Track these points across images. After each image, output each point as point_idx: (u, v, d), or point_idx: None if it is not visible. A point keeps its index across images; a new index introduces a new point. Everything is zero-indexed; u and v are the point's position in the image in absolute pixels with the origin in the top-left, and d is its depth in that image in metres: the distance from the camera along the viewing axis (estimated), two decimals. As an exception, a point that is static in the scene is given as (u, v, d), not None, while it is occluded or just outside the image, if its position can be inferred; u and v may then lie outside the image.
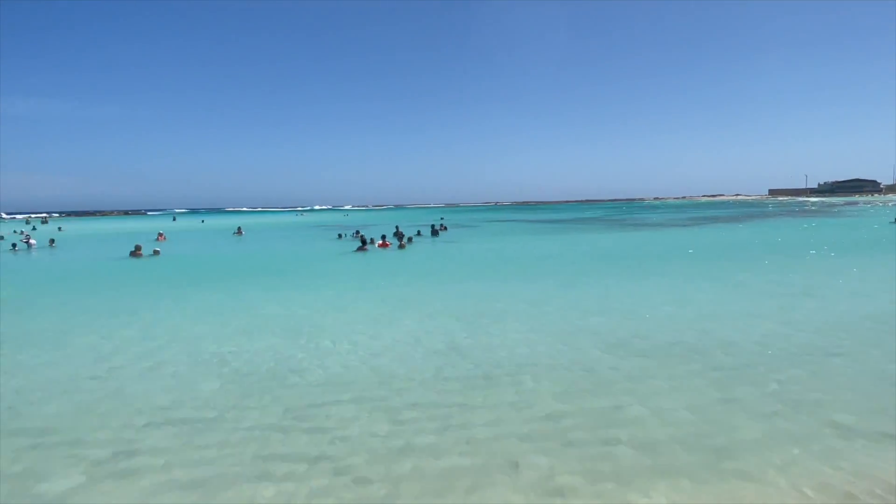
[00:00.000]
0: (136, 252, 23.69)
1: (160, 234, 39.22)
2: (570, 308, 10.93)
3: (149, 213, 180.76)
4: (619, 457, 4.68)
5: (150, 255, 23.70)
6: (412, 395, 6.18)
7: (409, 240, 28.76)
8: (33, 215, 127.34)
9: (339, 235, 38.45)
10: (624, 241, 29.77)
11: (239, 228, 45.17)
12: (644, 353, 7.58)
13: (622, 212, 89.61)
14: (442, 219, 67.96)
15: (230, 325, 9.90)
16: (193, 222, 78.66)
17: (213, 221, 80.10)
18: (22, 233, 44.89)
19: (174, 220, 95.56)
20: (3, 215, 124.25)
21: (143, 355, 8.02)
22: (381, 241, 26.66)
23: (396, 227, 37.34)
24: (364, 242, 24.89)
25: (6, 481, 4.40)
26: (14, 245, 33.23)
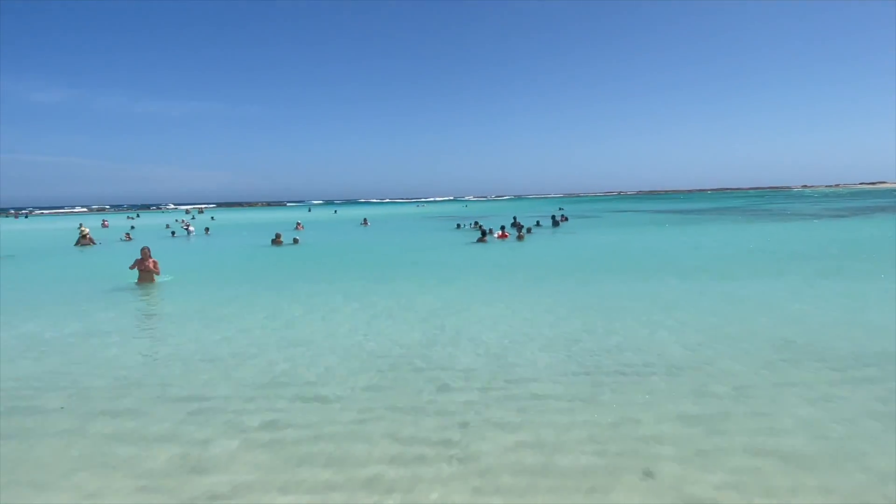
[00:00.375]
0: (276, 240, 25.79)
1: (298, 224, 42.45)
2: (706, 308, 10.24)
3: (288, 204, 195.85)
4: (762, 470, 4.32)
5: (290, 244, 25.67)
6: (537, 387, 6.14)
7: (528, 231, 28.54)
8: (190, 207, 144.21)
9: (458, 225, 39.00)
10: (772, 232, 27.19)
11: (365, 219, 47.57)
12: (792, 359, 6.90)
13: (766, 201, 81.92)
14: (561, 209, 66.54)
15: (363, 312, 10.46)
16: (327, 212, 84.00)
17: (344, 212, 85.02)
18: (182, 221, 50.74)
19: (309, 210, 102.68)
20: (172, 206, 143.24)
21: (288, 335, 8.73)
22: (500, 232, 26.68)
23: (514, 218, 37.21)
24: (484, 234, 25.06)
25: (172, 442, 5.02)
26: (173, 232, 37.74)
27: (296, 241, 26.21)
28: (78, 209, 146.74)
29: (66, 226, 53.16)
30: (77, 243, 28.77)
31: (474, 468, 4.45)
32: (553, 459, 4.56)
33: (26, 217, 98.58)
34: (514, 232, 27.25)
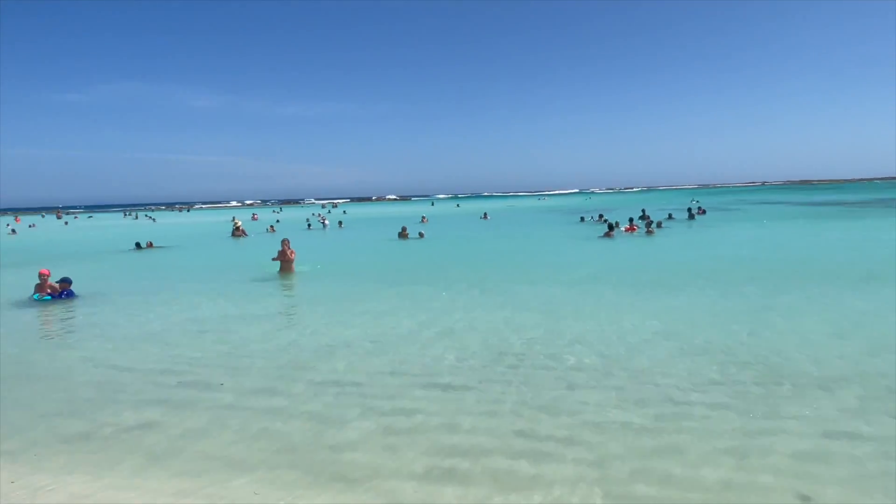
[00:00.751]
0: (402, 234, 26.76)
1: (423, 217, 43.86)
2: (877, 314, 9.04)
3: (413, 198, 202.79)
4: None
5: (415, 237, 26.53)
6: (675, 393, 5.79)
7: (658, 224, 26.96)
8: (326, 201, 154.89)
9: (581, 218, 37.93)
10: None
11: (485, 213, 47.90)
12: None
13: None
14: (695, 201, 62.15)
15: (486, 306, 10.54)
16: (449, 206, 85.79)
17: (466, 206, 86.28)
18: (318, 215, 54.42)
19: (433, 204, 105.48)
20: (313, 200, 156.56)
21: (415, 325, 9.03)
22: (627, 226, 25.55)
23: (643, 211, 35.34)
24: (611, 227, 24.08)
25: (313, 420, 5.38)
26: (309, 225, 40.69)
27: (421, 234, 27.04)
28: (232, 204, 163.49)
29: (221, 219, 59.37)
30: (232, 234, 32.07)
31: (606, 473, 4.29)
32: (695, 471, 4.27)
33: (188, 211, 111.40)
34: (643, 226, 25.87)
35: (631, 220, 26.82)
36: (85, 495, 4.07)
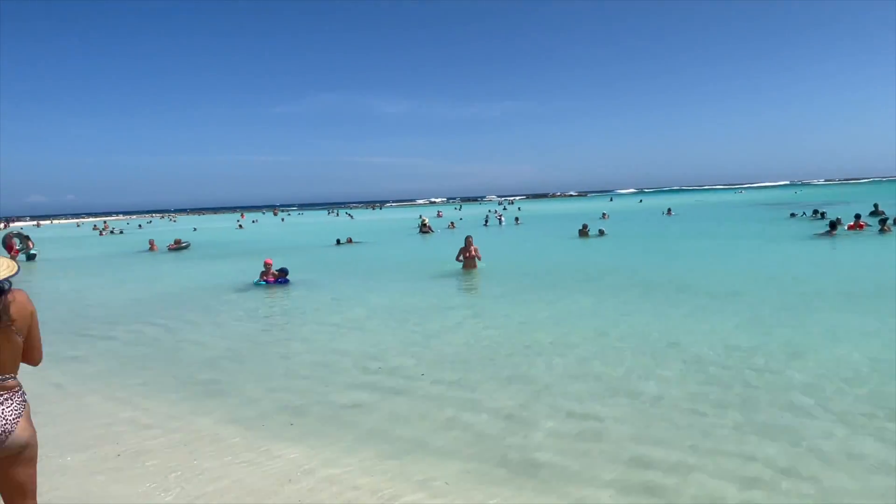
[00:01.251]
0: (583, 231, 25.98)
1: (604, 214, 42.44)
2: None
3: (589, 194, 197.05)
4: None
5: (595, 235, 25.60)
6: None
7: (895, 222, 22.56)
8: (502, 198, 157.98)
9: (792, 214, 33.59)
10: None
11: (668, 209, 44.74)
12: None
13: None
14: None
15: (674, 309, 9.81)
16: (631, 202, 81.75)
17: (649, 201, 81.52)
18: (495, 212, 55.45)
19: (611, 200, 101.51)
20: (493, 197, 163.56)
21: (598, 327, 8.70)
22: (852, 223, 21.90)
23: (875, 206, 29.87)
24: (833, 226, 20.67)
25: (499, 417, 5.43)
26: (486, 221, 41.90)
27: (601, 232, 26.01)
28: (419, 201, 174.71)
29: (409, 216, 63.59)
30: (420, 231, 34.20)
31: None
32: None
33: (380, 209, 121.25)
34: (876, 223, 21.78)
35: (857, 216, 22.82)
36: (301, 464, 4.58)
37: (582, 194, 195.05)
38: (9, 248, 24.18)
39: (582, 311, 10.02)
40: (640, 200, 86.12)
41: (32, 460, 3.01)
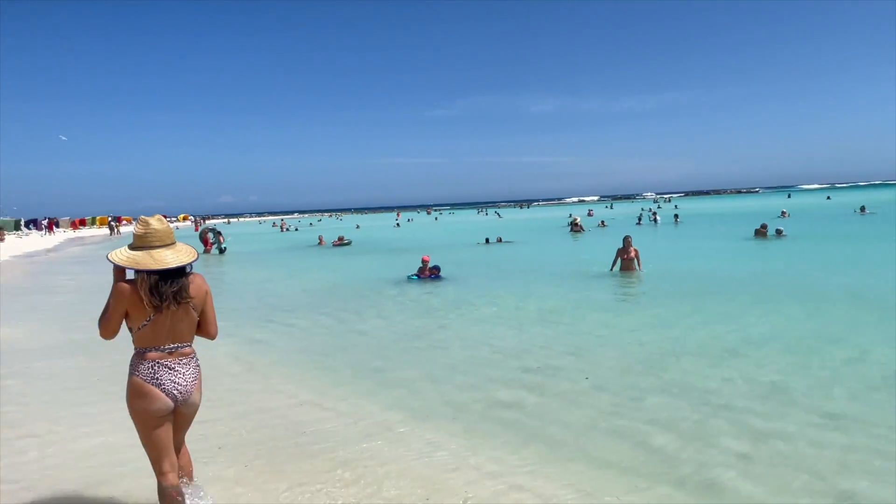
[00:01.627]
0: (760, 231, 23.40)
1: (783, 212, 38.24)
2: None
3: (760, 190, 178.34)
4: None
5: (773, 237, 22.95)
6: None
7: None
8: (657, 196, 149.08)
9: None
10: None
11: (862, 207, 38.92)
12: None
13: None
14: None
15: (876, 330, 8.44)
16: (815, 199, 72.68)
17: (839, 197, 71.90)
18: (650, 210, 52.15)
19: (789, 196, 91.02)
20: (651, 195, 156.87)
21: (780, 336, 7.77)
22: None
23: None
24: None
25: (670, 431, 5.01)
26: (639, 220, 39.85)
27: (779, 232, 23.25)
28: (568, 200, 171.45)
29: (557, 214, 62.53)
30: (570, 230, 33.50)
31: None
32: None
33: (528, 207, 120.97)
34: None
35: None
36: (465, 457, 4.62)
37: (750, 191, 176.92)
38: (204, 241, 27.79)
39: (763, 323, 9.01)
40: (828, 197, 75.90)
41: (192, 421, 3.50)
